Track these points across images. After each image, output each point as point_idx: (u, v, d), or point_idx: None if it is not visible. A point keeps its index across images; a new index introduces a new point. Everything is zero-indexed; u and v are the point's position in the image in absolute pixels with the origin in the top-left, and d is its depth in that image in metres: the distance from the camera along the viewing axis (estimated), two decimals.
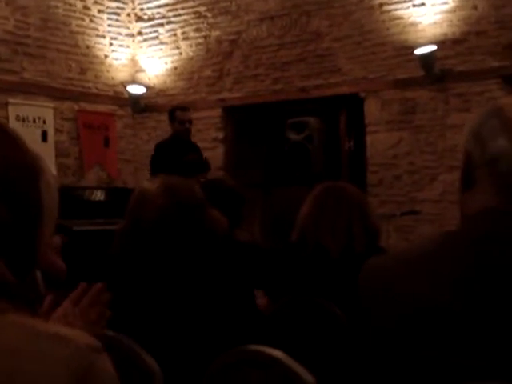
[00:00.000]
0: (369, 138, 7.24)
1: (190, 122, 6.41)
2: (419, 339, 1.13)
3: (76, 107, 8.07)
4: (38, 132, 7.59)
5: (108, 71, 8.43)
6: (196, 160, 5.65)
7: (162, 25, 8.57)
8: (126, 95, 8.53)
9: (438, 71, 6.75)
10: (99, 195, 7.64)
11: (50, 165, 7.46)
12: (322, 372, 1.75)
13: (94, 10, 8.27)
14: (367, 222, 2.70)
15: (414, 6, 6.91)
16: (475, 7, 6.62)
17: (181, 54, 8.45)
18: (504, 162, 1.20)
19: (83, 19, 8.14)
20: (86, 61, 8.17)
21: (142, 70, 8.69)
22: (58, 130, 7.84)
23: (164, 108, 8.22)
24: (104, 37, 8.38)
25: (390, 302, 1.20)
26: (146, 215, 2.04)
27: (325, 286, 2.61)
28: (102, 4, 8.35)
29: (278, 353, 1.59)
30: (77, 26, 8.07)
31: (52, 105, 7.76)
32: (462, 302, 1.12)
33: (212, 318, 1.89)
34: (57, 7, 7.85)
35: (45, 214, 0.98)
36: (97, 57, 8.31)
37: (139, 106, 8.56)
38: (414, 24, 6.93)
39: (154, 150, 6.46)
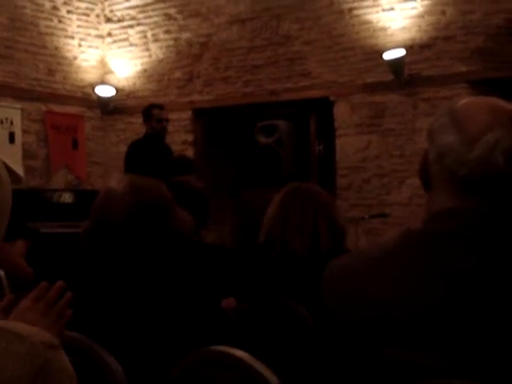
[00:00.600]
0: (338, 142, 7.29)
1: (167, 120, 6.39)
2: (385, 339, 1.14)
3: (44, 108, 7.99)
4: (6, 133, 7.50)
5: (77, 72, 8.36)
6: (181, 160, 5.61)
7: (131, 26, 8.52)
8: (95, 97, 8.46)
9: (407, 76, 6.81)
10: (67, 197, 7.56)
11: (18, 166, 7.39)
12: (288, 373, 1.74)
13: (63, 11, 8.19)
14: (333, 222, 2.71)
15: (383, 10, 6.97)
16: (443, 13, 6.70)
17: (151, 55, 8.41)
18: (450, 157, 1.21)
19: (52, 20, 8.07)
20: (54, 62, 8.09)
21: (111, 72, 8.62)
22: (25, 132, 7.75)
23: (133, 110, 8.18)
24: (73, 38, 8.31)
25: (359, 302, 1.20)
26: (112, 214, 2.02)
27: (292, 286, 2.61)
28: (71, 5, 8.27)
29: (242, 354, 1.58)
30: (45, 26, 7.99)
31: (19, 106, 7.67)
32: (425, 301, 1.13)
33: (176, 319, 1.88)
34: (25, 7, 7.76)
35: None
36: (65, 58, 8.23)
37: (108, 108, 8.50)
38: (383, 29, 6.98)
39: (129, 148, 6.39)
